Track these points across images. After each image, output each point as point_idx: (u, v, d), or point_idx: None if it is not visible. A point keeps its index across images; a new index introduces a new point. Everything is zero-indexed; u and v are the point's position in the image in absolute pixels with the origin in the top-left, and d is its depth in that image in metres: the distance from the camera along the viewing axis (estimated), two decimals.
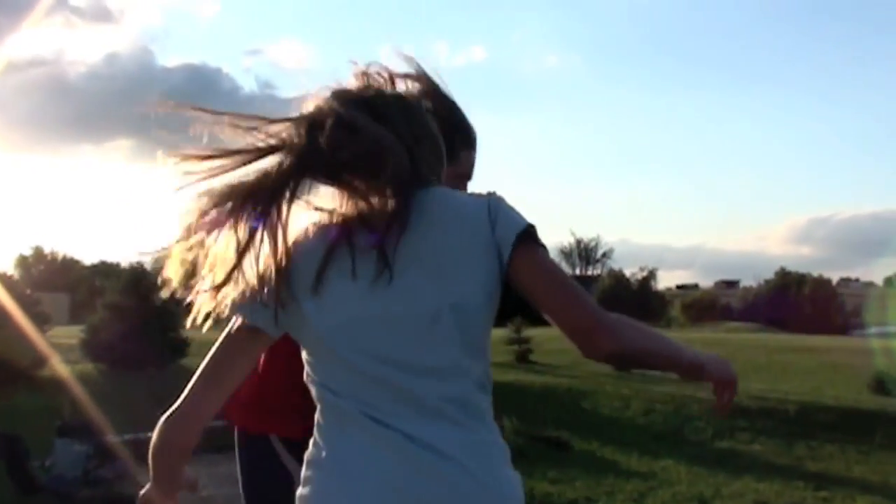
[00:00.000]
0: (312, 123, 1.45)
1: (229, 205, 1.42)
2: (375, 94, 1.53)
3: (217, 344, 1.52)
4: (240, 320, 1.50)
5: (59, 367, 15.18)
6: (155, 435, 1.51)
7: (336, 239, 1.44)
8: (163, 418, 1.50)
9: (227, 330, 1.52)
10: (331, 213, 1.49)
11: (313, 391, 1.47)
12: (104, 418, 10.92)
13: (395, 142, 1.45)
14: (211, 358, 1.51)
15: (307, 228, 1.50)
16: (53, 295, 46.50)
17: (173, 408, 1.50)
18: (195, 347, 18.15)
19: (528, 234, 1.44)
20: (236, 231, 1.43)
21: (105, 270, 54.62)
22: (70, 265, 69.65)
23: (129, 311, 16.29)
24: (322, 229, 1.48)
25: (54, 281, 59.97)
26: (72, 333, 18.76)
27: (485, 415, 1.43)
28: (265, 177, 1.44)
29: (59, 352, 15.97)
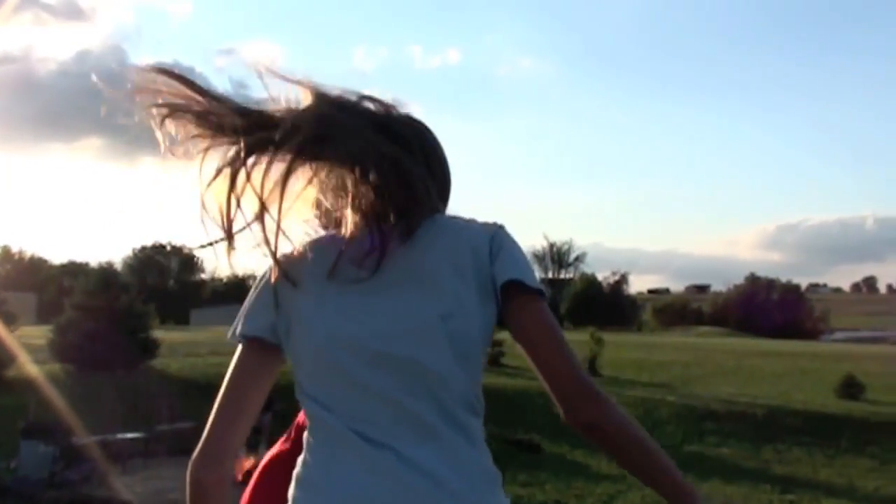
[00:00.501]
0: (309, 115, 1.40)
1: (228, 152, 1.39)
2: (385, 111, 1.50)
3: (228, 373, 1.48)
4: (241, 345, 1.47)
5: (26, 367, 14.97)
6: (188, 482, 1.45)
7: (338, 252, 1.41)
8: (191, 460, 1.45)
9: (234, 358, 1.49)
10: (334, 210, 1.46)
11: (305, 407, 1.44)
12: (71, 420, 10.79)
13: (410, 160, 1.42)
14: (226, 387, 1.47)
15: (309, 241, 1.46)
16: (20, 294, 45.85)
17: (199, 446, 1.44)
18: (165, 349, 18.00)
19: (528, 280, 1.42)
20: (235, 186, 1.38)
21: (73, 270, 54.11)
22: (38, 264, 68.85)
23: (98, 312, 16.09)
24: (324, 241, 1.46)
25: (22, 280, 59.22)
26: (39, 333, 18.50)
27: (478, 438, 1.41)
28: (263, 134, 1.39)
29: (26, 352, 15.75)
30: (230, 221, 1.39)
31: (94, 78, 1.40)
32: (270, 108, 1.41)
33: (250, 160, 1.38)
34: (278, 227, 1.39)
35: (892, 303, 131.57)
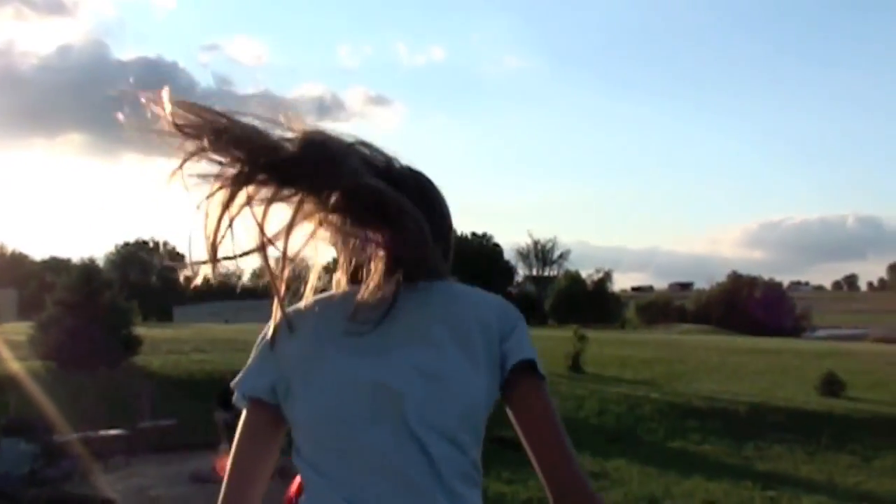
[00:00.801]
0: (317, 149, 1.35)
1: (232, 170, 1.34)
2: (386, 160, 1.46)
3: (237, 435, 1.45)
4: (245, 409, 1.45)
5: (7, 364, 14.87)
6: None
7: (343, 312, 1.39)
8: None
9: (241, 419, 1.45)
10: (347, 258, 1.45)
11: (301, 472, 1.41)
12: (52, 417, 10.72)
13: (413, 211, 1.37)
14: (234, 452, 1.44)
15: (314, 298, 1.45)
16: (1, 290, 45.54)
17: None
18: (147, 345, 17.90)
19: (535, 365, 1.41)
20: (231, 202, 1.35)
21: (55, 266, 53.75)
22: (19, 260, 68.30)
23: (80, 308, 15.98)
24: (327, 300, 1.44)
25: (2, 276, 58.76)
26: (20, 330, 18.38)
27: None
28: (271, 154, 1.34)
29: (6, 349, 15.63)
30: (216, 240, 1.35)
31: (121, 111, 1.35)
32: (274, 138, 1.37)
33: (251, 186, 1.35)
34: (284, 264, 1.38)
35: (873, 301, 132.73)
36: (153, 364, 16.70)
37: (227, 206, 1.34)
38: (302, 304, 1.44)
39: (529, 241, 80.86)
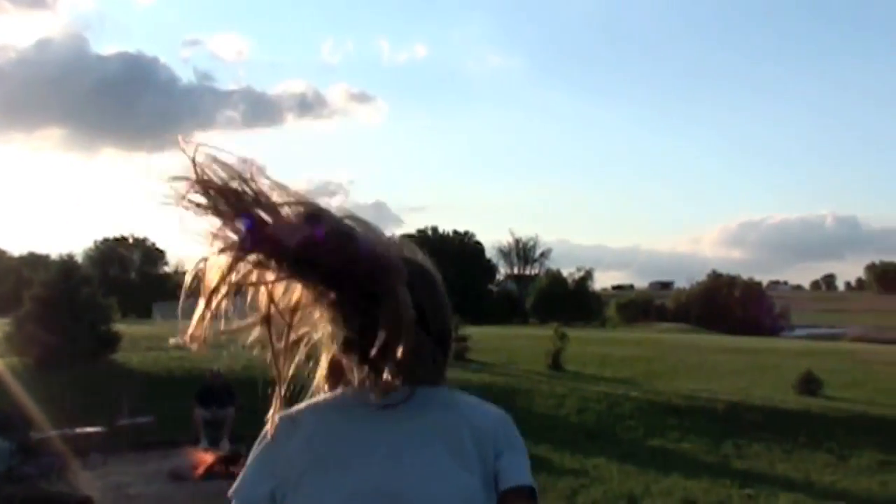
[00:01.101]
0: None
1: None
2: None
3: None
4: None
5: None
6: None
7: (341, 418, 1.38)
8: None
9: None
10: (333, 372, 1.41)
11: None
12: (30, 414, 10.63)
13: (410, 309, 1.30)
14: None
15: (308, 402, 1.43)
16: None
17: None
18: (126, 342, 17.77)
19: (531, 486, 1.40)
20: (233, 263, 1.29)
21: (33, 261, 53.15)
22: None
23: (58, 304, 15.82)
24: (324, 405, 1.42)
25: None
26: None
27: None
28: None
29: None
30: (210, 303, 1.31)
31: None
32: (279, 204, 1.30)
33: (251, 259, 1.29)
34: (287, 342, 1.36)
35: (851, 300, 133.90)
36: (132, 361, 16.58)
37: (228, 273, 1.29)
38: (300, 406, 1.42)
39: (511, 240, 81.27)
